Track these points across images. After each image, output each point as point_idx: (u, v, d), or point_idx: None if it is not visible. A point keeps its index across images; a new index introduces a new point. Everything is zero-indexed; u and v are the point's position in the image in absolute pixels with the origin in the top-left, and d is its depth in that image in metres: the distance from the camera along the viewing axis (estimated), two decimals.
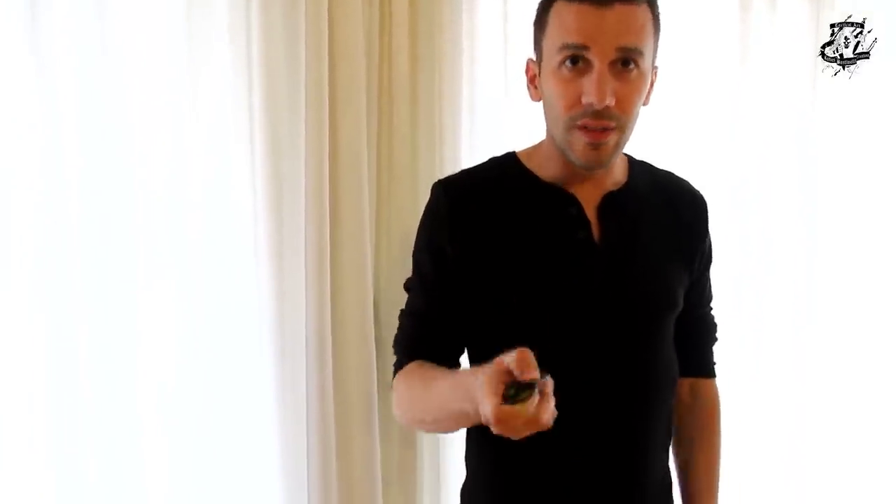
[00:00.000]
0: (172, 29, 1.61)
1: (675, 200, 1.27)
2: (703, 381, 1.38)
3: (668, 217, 1.24)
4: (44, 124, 1.53)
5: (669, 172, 1.32)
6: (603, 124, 1.07)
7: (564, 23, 1.07)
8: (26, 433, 1.56)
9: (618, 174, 1.23)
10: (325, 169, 1.70)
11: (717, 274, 1.38)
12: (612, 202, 1.19)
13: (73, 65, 1.54)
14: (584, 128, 1.08)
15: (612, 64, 1.06)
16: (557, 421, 1.14)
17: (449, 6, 1.79)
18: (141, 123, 1.60)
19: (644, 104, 1.15)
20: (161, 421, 1.65)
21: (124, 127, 1.58)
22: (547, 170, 1.20)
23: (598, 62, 1.05)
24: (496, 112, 1.85)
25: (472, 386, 0.95)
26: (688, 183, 1.32)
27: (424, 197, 1.26)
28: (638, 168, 1.27)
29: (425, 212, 1.25)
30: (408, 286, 1.29)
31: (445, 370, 1.15)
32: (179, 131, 1.63)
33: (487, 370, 0.92)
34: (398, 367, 1.26)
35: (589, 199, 1.18)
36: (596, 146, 1.09)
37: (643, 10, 1.08)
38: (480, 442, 1.26)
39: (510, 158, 1.25)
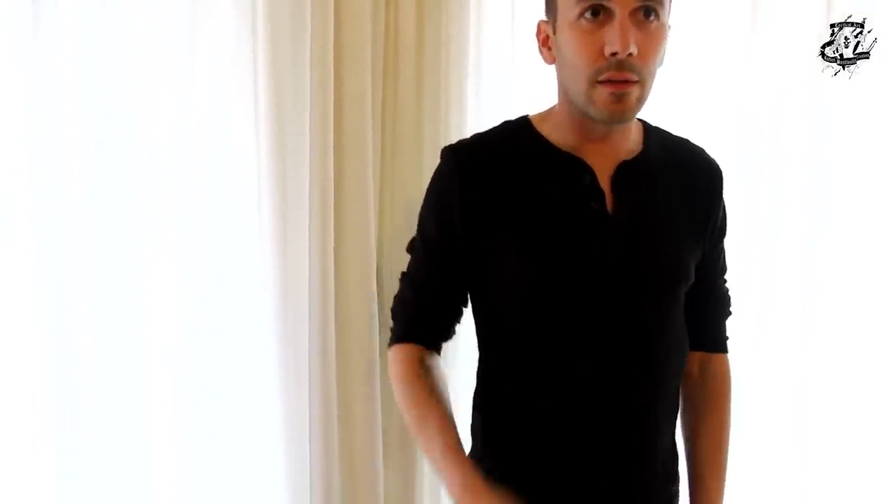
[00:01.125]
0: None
1: (691, 169, 1.25)
2: (714, 356, 1.36)
3: (683, 187, 1.22)
4: (46, 115, 1.51)
5: (685, 140, 1.30)
6: (625, 76, 1.05)
7: None
8: (30, 429, 1.55)
9: (633, 141, 1.21)
10: (330, 135, 1.67)
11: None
12: (626, 171, 1.17)
13: (75, 56, 1.52)
14: (608, 81, 1.06)
15: (633, 14, 1.05)
16: (567, 391, 1.16)
17: None
18: (140, 87, 1.57)
19: (660, 65, 1.13)
20: (164, 413, 1.64)
21: (127, 108, 1.56)
22: (560, 135, 1.18)
23: (619, 11, 1.04)
24: (503, 78, 1.82)
25: (458, 495, 1.07)
26: (704, 151, 1.30)
27: (429, 164, 1.25)
28: (654, 135, 1.24)
29: (434, 176, 1.24)
30: (410, 249, 1.28)
31: (438, 418, 1.16)
32: (180, 92, 1.60)
33: None
34: (395, 338, 1.27)
35: (603, 167, 1.17)
36: (619, 97, 1.07)
37: None
38: (490, 414, 1.26)
39: (523, 122, 1.23)
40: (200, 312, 1.66)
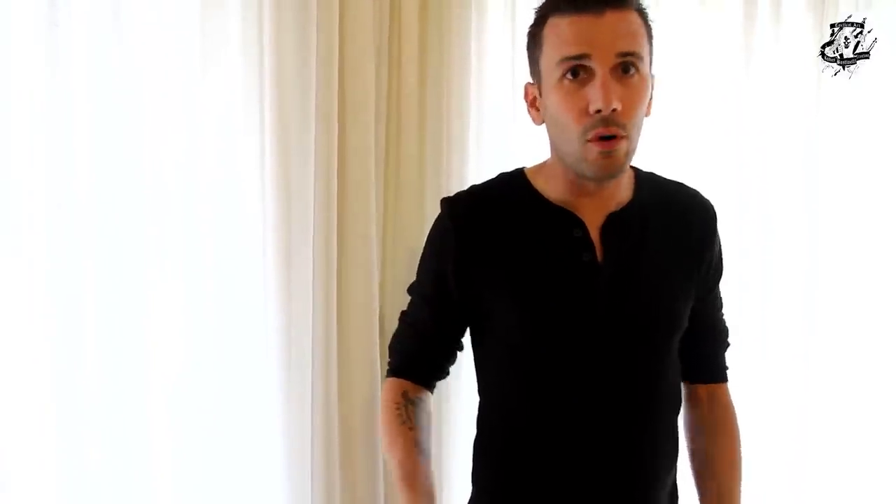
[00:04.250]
0: (185, 43, 1.65)
1: (686, 213, 1.26)
2: (718, 387, 1.37)
3: (677, 231, 1.23)
4: (56, 127, 1.56)
5: (679, 183, 1.31)
6: (613, 131, 1.07)
7: (561, 36, 1.08)
8: (33, 432, 1.59)
9: (623, 191, 1.22)
10: (334, 181, 1.73)
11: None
12: (616, 222, 1.19)
13: (87, 69, 1.58)
14: (597, 138, 1.08)
15: (613, 70, 1.07)
16: (562, 443, 1.18)
17: (458, 20, 1.81)
18: (152, 132, 1.63)
19: (646, 115, 1.16)
20: (167, 422, 1.68)
21: (135, 133, 1.62)
22: (553, 189, 1.20)
23: (599, 69, 1.06)
24: (504, 127, 1.87)
25: None
26: (698, 193, 1.31)
27: (431, 211, 1.28)
28: (645, 182, 1.25)
29: (432, 229, 1.28)
30: (410, 291, 1.32)
31: (402, 448, 1.20)
32: (189, 143, 1.66)
33: None
34: (388, 372, 1.32)
35: (593, 219, 1.18)
36: (608, 154, 1.08)
37: (634, 16, 1.09)
38: (488, 462, 1.28)
39: (518, 175, 1.25)
40: (205, 361, 1.70)
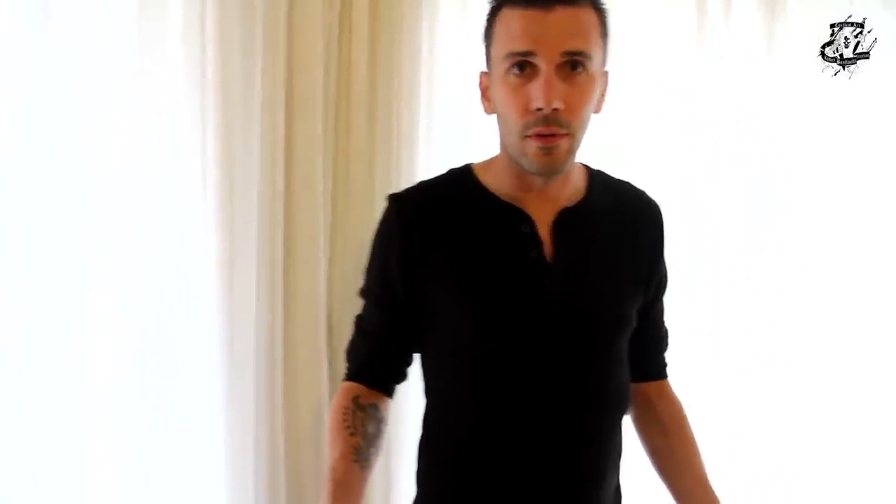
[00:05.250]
0: (122, 34, 1.59)
1: (635, 214, 1.26)
2: (664, 383, 1.39)
3: (627, 232, 1.23)
4: None
5: (627, 183, 1.31)
6: (553, 130, 1.06)
7: (510, 30, 1.08)
8: None
9: (574, 188, 1.21)
10: (280, 178, 1.68)
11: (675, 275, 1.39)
12: (566, 219, 1.18)
13: (19, 69, 1.51)
14: (537, 135, 1.07)
15: (560, 67, 1.06)
16: (509, 441, 1.17)
17: (409, 16, 1.78)
18: (88, 130, 1.57)
19: (596, 111, 1.15)
20: (104, 427, 1.62)
21: (70, 132, 1.56)
22: (501, 185, 1.19)
23: (544, 66, 1.05)
24: (454, 122, 1.84)
25: None
26: (644, 194, 1.31)
27: (381, 206, 1.25)
28: (597, 180, 1.25)
29: (378, 227, 1.25)
30: (361, 294, 1.29)
31: (340, 455, 1.19)
32: (128, 141, 1.60)
33: None
34: (346, 376, 1.29)
35: (543, 215, 1.17)
36: (548, 151, 1.08)
37: (588, 14, 1.08)
38: (433, 462, 1.26)
39: (466, 171, 1.24)
40: (142, 366, 1.64)
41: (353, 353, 1.29)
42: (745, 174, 2.03)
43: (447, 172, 1.27)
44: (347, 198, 1.79)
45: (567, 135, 1.08)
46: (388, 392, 1.29)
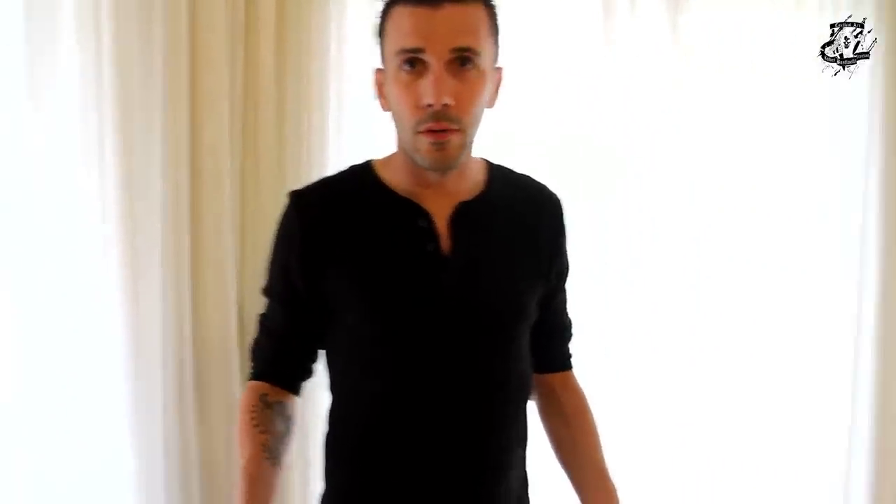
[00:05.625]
0: (10, 35, 1.56)
1: (535, 207, 1.27)
2: (567, 374, 1.39)
3: (526, 224, 1.24)
4: None
5: (527, 177, 1.31)
6: (444, 126, 1.08)
7: (400, 27, 1.09)
8: None
9: (473, 182, 1.22)
10: (185, 177, 1.66)
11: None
12: (463, 213, 1.19)
13: None
14: (428, 131, 1.08)
15: (449, 64, 1.07)
16: (411, 434, 1.18)
17: (317, 15, 1.78)
18: None
19: (489, 106, 1.17)
20: (10, 434, 1.59)
21: None
22: (400, 181, 1.20)
23: (434, 63, 1.06)
24: (364, 120, 1.83)
25: None
26: (547, 188, 1.32)
27: None
28: (497, 174, 1.26)
29: (278, 225, 1.25)
30: (264, 292, 1.28)
31: (251, 454, 1.19)
32: (21, 144, 1.57)
33: None
34: (251, 375, 1.28)
35: (441, 210, 1.18)
36: (440, 146, 1.09)
37: (476, 10, 1.09)
38: (338, 458, 1.26)
39: (367, 168, 1.24)
40: (42, 376, 1.61)
41: (258, 351, 1.28)
42: (654, 168, 2.06)
43: (348, 169, 1.27)
44: (258, 197, 1.77)
45: (458, 130, 1.09)
46: (295, 390, 1.28)
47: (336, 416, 1.27)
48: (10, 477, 1.59)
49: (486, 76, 1.12)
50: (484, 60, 1.11)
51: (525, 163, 1.37)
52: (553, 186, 1.35)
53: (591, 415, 1.37)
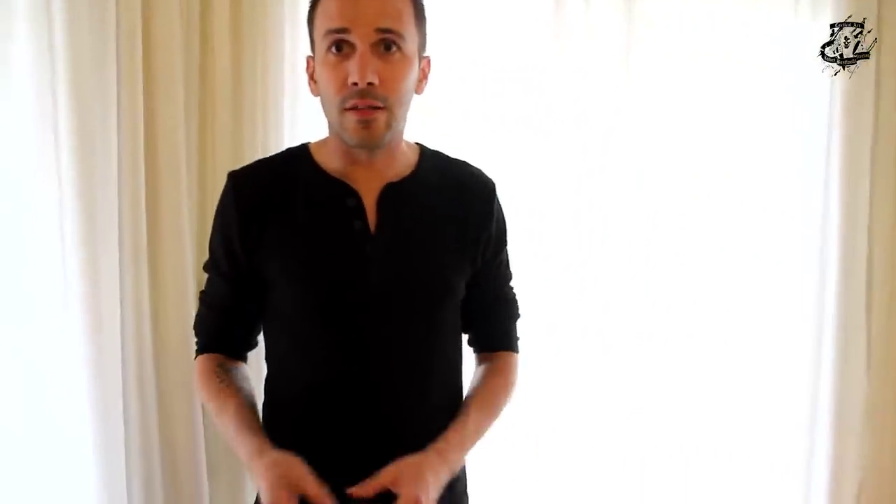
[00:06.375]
0: None
1: (463, 188, 1.31)
2: (507, 355, 1.40)
3: (455, 206, 1.28)
4: None
5: (463, 162, 1.36)
6: (368, 102, 1.13)
7: (327, 11, 1.15)
8: None
9: (403, 164, 1.27)
10: (141, 164, 1.67)
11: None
12: (391, 193, 1.24)
13: None
14: (354, 108, 1.13)
15: (375, 46, 1.13)
16: (334, 403, 1.22)
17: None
18: None
19: (418, 92, 1.22)
20: None
21: None
22: (332, 162, 1.24)
23: (359, 44, 1.12)
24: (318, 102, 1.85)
25: (253, 467, 1.12)
26: (479, 171, 1.36)
27: None
28: (429, 158, 1.31)
29: (218, 204, 1.29)
30: (205, 268, 1.33)
31: (236, 406, 1.21)
32: None
33: (275, 476, 1.07)
34: (199, 350, 1.33)
35: (370, 190, 1.23)
36: (366, 124, 1.14)
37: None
38: (271, 429, 1.25)
39: (303, 150, 1.29)
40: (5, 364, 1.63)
41: (202, 325, 1.33)
42: (609, 162, 2.05)
43: (285, 151, 1.34)
44: (215, 183, 1.78)
45: (383, 108, 1.14)
46: (243, 359, 1.34)
47: (269, 385, 1.32)
48: None
49: (411, 61, 1.18)
50: (408, 45, 1.17)
51: (476, 156, 1.40)
52: (496, 176, 1.37)
53: (504, 377, 1.36)
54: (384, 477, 1.11)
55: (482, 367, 1.37)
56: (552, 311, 2.04)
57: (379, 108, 1.13)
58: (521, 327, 1.44)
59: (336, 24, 1.12)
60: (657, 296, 2.10)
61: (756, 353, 2.18)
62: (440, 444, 1.20)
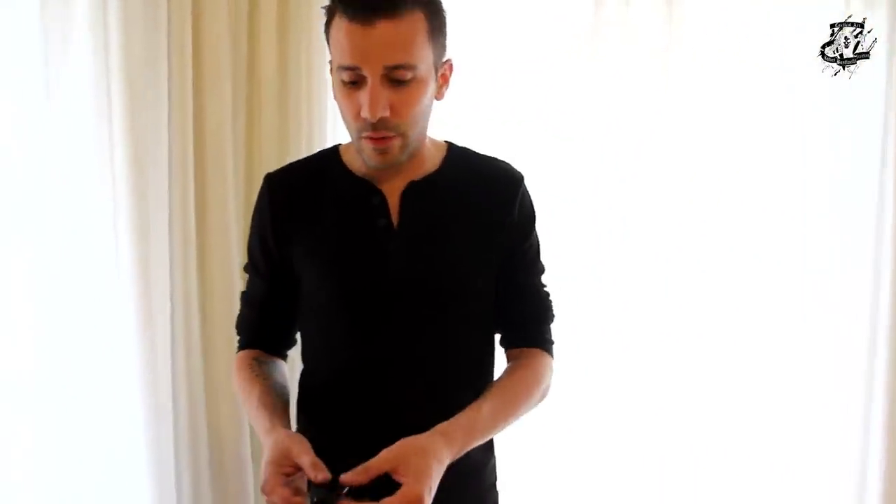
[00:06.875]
0: (26, 21, 1.61)
1: (489, 183, 1.29)
2: (538, 352, 1.33)
3: (479, 199, 1.27)
4: None
5: (491, 157, 1.34)
6: (382, 134, 1.13)
7: (338, 42, 1.13)
8: None
9: (429, 163, 1.27)
10: (190, 160, 1.73)
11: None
12: (414, 191, 1.25)
13: None
14: (369, 138, 1.14)
15: (385, 77, 1.11)
16: (360, 392, 1.24)
17: None
18: None
19: (438, 98, 1.21)
20: (16, 412, 1.67)
21: None
22: (358, 163, 1.25)
23: (370, 78, 1.10)
24: None
25: (263, 445, 1.12)
26: (507, 164, 1.33)
27: None
28: (456, 155, 1.30)
29: (255, 203, 1.32)
30: (245, 269, 1.37)
31: (261, 390, 1.23)
32: (34, 128, 1.63)
33: (273, 450, 1.07)
34: (240, 346, 1.37)
35: (395, 189, 1.25)
36: (382, 151, 1.16)
37: (412, 21, 1.10)
38: (305, 420, 1.32)
39: (333, 152, 1.32)
40: (56, 356, 1.69)
41: (243, 323, 1.37)
42: (647, 163, 2.02)
43: (319, 152, 1.38)
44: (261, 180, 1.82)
45: (397, 136, 1.15)
46: (282, 357, 1.37)
47: (302, 378, 1.35)
48: (28, 438, 1.68)
49: (425, 81, 1.15)
50: (422, 69, 1.14)
51: (510, 154, 1.37)
52: (531, 175, 1.35)
53: (531, 370, 1.31)
54: (383, 462, 1.06)
55: (509, 364, 1.34)
56: (620, 312, 2.03)
57: (392, 136, 1.14)
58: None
59: (346, 62, 1.11)
60: (717, 297, 2.08)
61: (811, 354, 2.14)
62: (447, 425, 1.15)
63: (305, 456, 1.05)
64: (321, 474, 1.03)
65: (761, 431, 2.16)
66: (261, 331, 1.35)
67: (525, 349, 1.34)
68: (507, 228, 1.29)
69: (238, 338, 1.37)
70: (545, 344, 1.36)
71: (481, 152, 1.34)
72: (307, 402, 1.33)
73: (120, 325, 1.71)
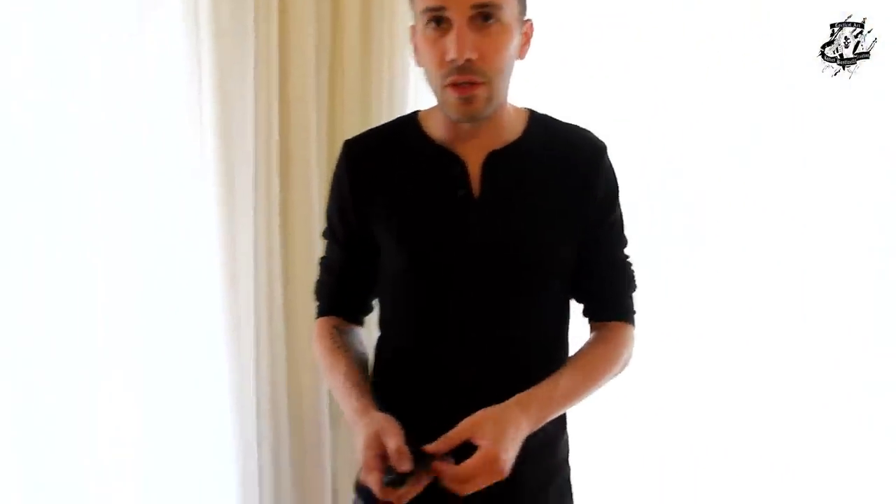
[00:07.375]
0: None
1: (571, 151, 1.28)
2: (620, 325, 1.33)
3: (562, 169, 1.26)
4: None
5: (573, 125, 1.32)
6: (468, 78, 1.12)
7: None
8: None
9: (509, 131, 1.26)
10: (275, 134, 1.77)
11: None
12: (494, 160, 1.23)
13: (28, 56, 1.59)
14: (454, 84, 1.13)
15: (472, 20, 1.11)
16: (436, 364, 1.25)
17: None
18: (86, 85, 1.65)
19: (520, 57, 1.20)
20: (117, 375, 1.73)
21: (68, 84, 1.64)
22: (438, 130, 1.26)
23: (456, 19, 1.11)
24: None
25: (354, 425, 1.14)
26: (589, 132, 1.32)
27: None
28: (537, 124, 1.29)
29: (334, 170, 1.33)
30: (324, 234, 1.38)
31: (347, 365, 1.24)
32: (125, 96, 1.68)
33: (368, 435, 1.07)
34: (319, 313, 1.38)
35: (475, 158, 1.24)
36: (466, 100, 1.14)
37: None
38: (379, 387, 1.30)
39: (412, 119, 1.32)
40: (149, 300, 1.75)
41: (322, 289, 1.39)
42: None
43: (396, 119, 1.37)
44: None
45: (483, 83, 1.14)
46: (360, 322, 1.38)
47: (378, 347, 1.36)
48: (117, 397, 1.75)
49: (510, 29, 1.16)
50: (507, 14, 1.14)
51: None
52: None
53: (613, 345, 1.30)
54: (462, 431, 1.08)
55: (591, 336, 1.33)
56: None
57: (479, 83, 1.13)
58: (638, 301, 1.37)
59: (432, 3, 1.12)
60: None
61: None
62: (524, 396, 1.15)
63: (392, 441, 1.05)
64: (403, 464, 1.04)
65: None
66: (339, 297, 1.36)
67: (608, 323, 1.34)
68: (591, 199, 1.27)
69: (317, 304, 1.39)
70: (627, 315, 1.35)
71: (562, 120, 1.32)
72: (383, 370, 1.33)
73: (205, 288, 1.76)
